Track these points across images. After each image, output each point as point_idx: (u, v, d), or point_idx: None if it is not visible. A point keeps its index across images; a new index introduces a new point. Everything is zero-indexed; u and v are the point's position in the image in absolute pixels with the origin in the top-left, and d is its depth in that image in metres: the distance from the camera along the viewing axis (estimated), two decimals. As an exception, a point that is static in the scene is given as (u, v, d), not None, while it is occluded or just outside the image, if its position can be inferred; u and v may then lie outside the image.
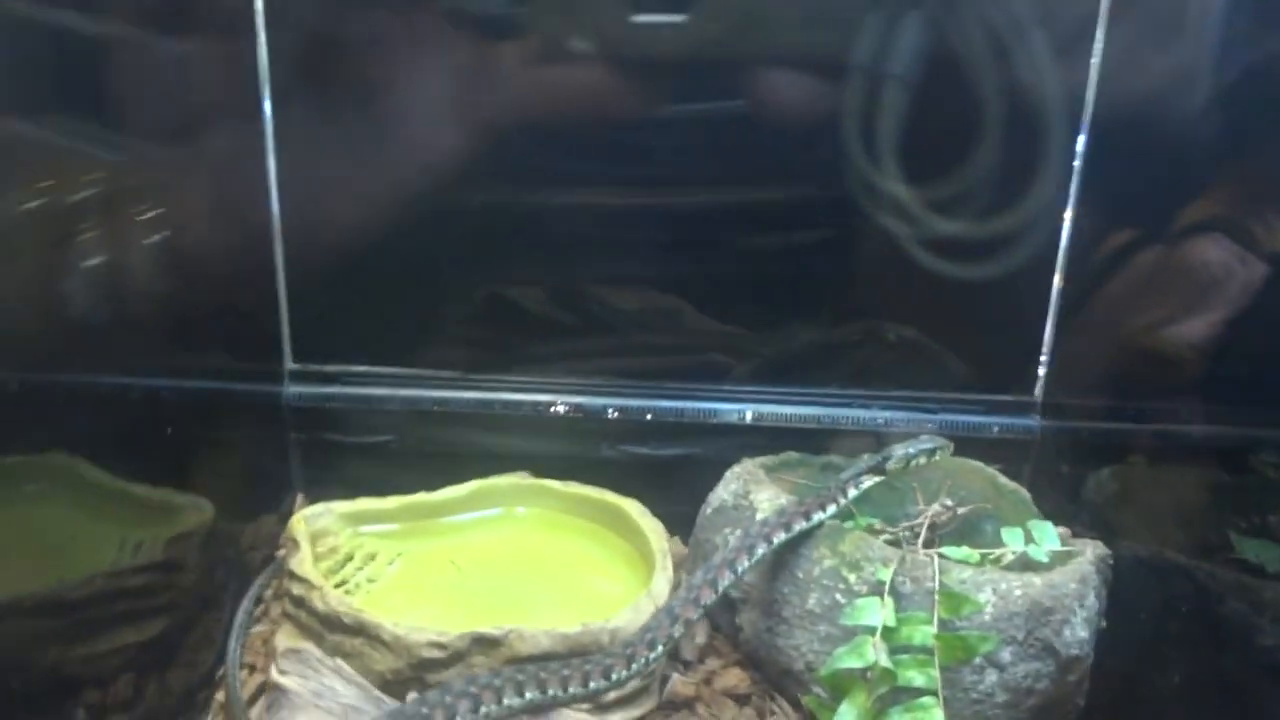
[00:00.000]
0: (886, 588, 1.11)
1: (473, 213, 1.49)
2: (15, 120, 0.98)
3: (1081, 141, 1.37)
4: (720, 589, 1.13)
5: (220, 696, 1.27)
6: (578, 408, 1.53)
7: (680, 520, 1.41)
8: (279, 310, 1.51)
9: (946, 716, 1.06)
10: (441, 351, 1.56)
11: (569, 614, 1.19)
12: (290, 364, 1.54)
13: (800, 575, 1.20)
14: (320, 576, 1.25)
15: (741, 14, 1.36)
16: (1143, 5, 1.33)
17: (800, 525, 1.19)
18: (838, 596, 1.16)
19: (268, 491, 1.53)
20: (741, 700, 1.25)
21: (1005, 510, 1.32)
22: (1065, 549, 1.20)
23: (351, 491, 1.43)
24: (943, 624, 1.08)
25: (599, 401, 1.53)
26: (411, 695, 1.11)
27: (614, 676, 1.06)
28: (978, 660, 1.10)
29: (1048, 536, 1.19)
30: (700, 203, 1.48)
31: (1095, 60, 1.34)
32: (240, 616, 1.34)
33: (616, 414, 1.53)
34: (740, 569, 1.15)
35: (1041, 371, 1.48)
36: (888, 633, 1.08)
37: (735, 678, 1.27)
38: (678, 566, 1.33)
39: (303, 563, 1.27)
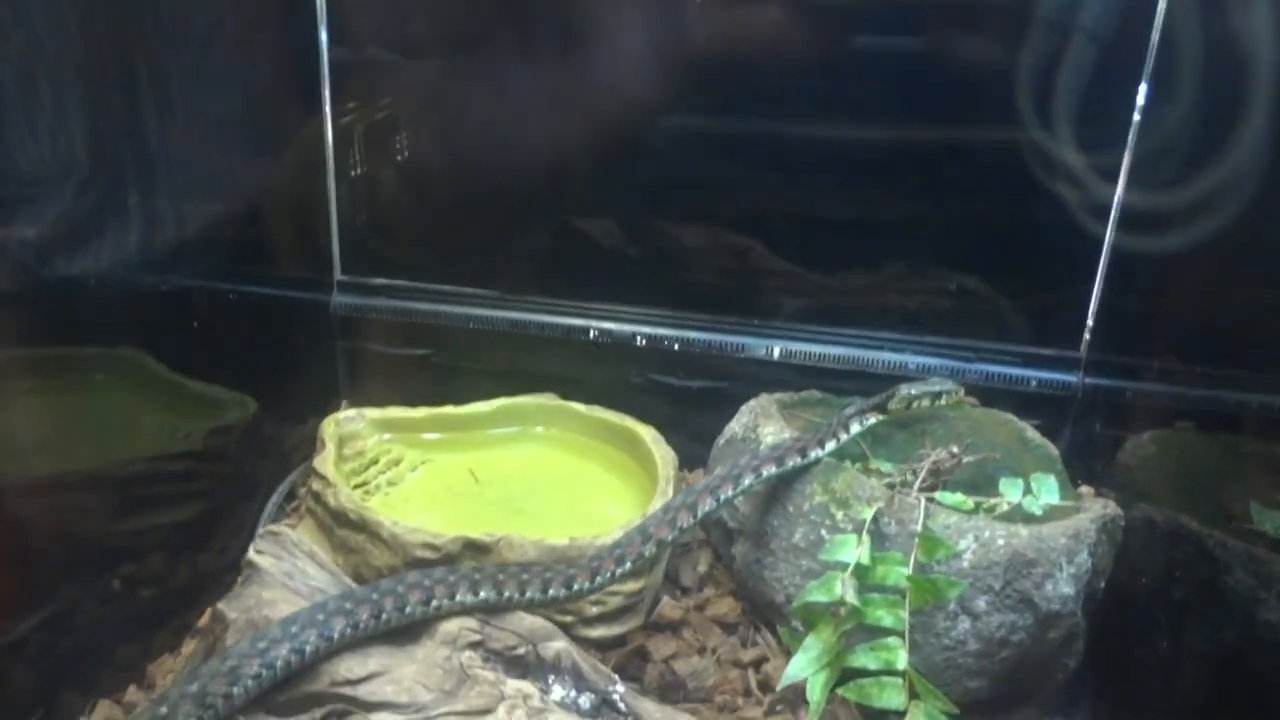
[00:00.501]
0: (866, 526, 1.10)
1: (541, 144, 1.51)
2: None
3: (1142, 92, 1.30)
4: (700, 514, 1.13)
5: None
6: (650, 337, 1.54)
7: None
8: (330, 224, 1.57)
9: (916, 660, 1.05)
10: (485, 272, 1.58)
11: (571, 531, 1.21)
12: (339, 274, 1.59)
13: (790, 509, 1.19)
14: (338, 475, 1.31)
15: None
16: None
17: (794, 461, 1.18)
18: (823, 533, 1.16)
19: (315, 396, 1.60)
20: (729, 629, 1.26)
21: (1028, 465, 1.27)
22: (1066, 504, 1.16)
23: (391, 400, 1.48)
24: (919, 567, 1.07)
25: (666, 332, 1.53)
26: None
27: (575, 587, 1.06)
28: (952, 606, 1.08)
29: (1047, 490, 1.15)
30: (784, 137, 1.46)
31: (1161, 7, 1.27)
32: (269, 508, 1.41)
33: (677, 346, 1.53)
34: (722, 497, 1.14)
35: (1089, 326, 1.42)
36: (862, 571, 1.07)
37: (727, 606, 1.28)
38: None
39: (325, 461, 1.33)
